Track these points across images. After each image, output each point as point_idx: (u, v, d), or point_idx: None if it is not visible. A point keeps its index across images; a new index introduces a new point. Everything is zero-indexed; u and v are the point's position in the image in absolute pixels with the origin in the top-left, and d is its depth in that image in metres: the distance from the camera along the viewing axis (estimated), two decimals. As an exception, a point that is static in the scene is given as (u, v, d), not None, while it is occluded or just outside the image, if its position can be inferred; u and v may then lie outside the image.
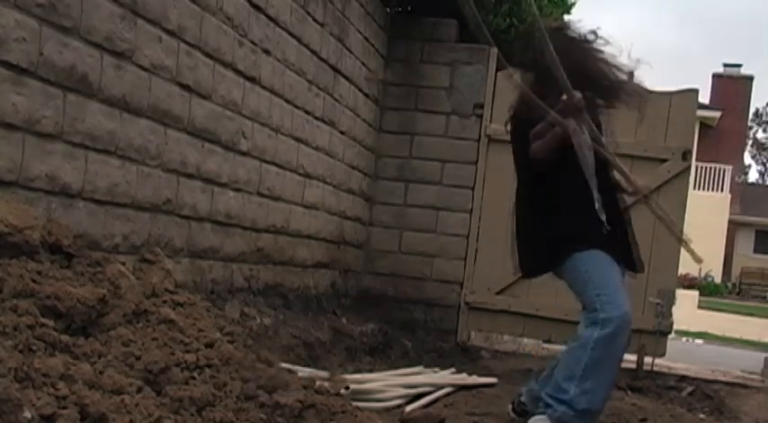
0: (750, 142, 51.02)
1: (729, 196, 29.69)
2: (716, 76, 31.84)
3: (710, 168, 29.38)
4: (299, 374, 2.92)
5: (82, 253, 2.76)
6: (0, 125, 2.72)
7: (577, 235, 3.65)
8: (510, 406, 4.11)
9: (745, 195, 32.99)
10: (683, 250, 6.22)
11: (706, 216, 24.33)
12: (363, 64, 6.08)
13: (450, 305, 6.50)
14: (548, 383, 3.70)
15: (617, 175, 3.84)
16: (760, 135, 54.69)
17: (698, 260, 3.75)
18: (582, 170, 3.71)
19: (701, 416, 5.00)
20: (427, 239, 6.55)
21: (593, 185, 3.73)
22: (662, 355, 6.23)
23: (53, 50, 2.91)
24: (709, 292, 25.61)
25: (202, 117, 3.95)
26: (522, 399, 4.04)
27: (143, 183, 3.54)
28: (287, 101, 4.86)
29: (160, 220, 3.70)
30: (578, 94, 3.50)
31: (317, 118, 5.33)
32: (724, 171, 29.62)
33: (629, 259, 3.81)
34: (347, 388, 3.65)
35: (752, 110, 39.74)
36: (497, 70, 6.48)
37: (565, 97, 3.49)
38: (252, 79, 4.40)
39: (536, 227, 3.79)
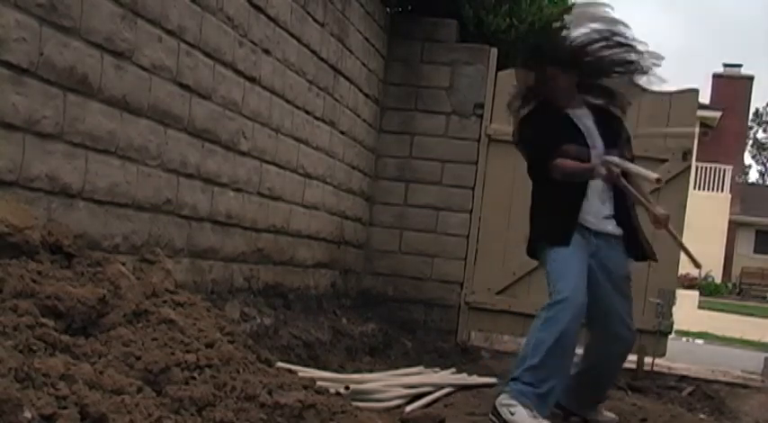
0: (750, 142, 51.06)
1: (729, 196, 29.70)
2: (716, 76, 31.85)
3: (710, 168, 29.38)
4: (299, 374, 2.92)
5: (82, 253, 2.76)
6: (0, 125, 2.72)
7: (554, 235, 3.99)
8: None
9: (745, 195, 32.98)
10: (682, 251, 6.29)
11: (706, 216, 24.35)
12: (363, 64, 6.08)
13: (450, 305, 6.50)
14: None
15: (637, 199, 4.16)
16: (760, 135, 54.79)
17: (698, 266, 4.15)
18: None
19: (701, 416, 5.00)
20: (427, 239, 6.55)
21: (608, 197, 4.05)
22: (662, 355, 6.23)
23: (53, 50, 2.91)
24: (709, 292, 25.61)
25: (202, 117, 3.95)
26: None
27: (143, 183, 3.54)
28: (287, 101, 4.86)
29: (160, 220, 3.70)
30: (617, 170, 3.95)
31: (317, 118, 5.33)
32: (724, 171, 29.62)
33: (638, 252, 4.16)
34: (347, 388, 3.65)
35: (752, 110, 39.77)
36: (497, 70, 6.48)
37: (606, 170, 3.93)
38: (252, 79, 4.40)
39: (535, 215, 4.16)
